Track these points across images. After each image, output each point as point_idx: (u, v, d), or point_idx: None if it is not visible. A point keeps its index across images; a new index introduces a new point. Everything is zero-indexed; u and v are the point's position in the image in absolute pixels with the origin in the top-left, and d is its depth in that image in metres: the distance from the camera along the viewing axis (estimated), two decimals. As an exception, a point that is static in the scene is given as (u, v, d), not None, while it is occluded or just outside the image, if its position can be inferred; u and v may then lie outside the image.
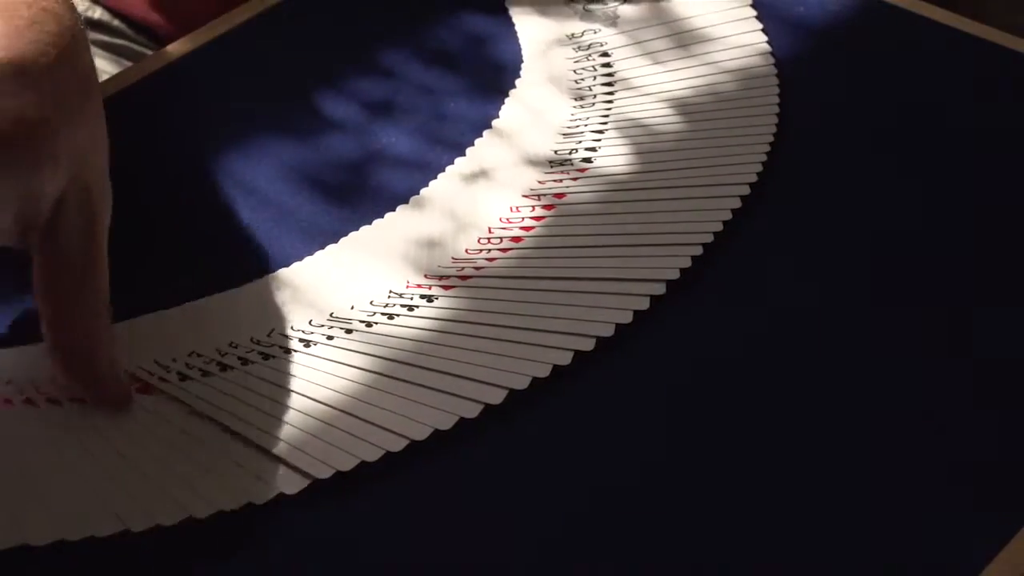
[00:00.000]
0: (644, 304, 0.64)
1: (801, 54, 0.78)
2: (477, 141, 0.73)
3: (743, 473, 0.59)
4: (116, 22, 0.93)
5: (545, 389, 0.62)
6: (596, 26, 0.79)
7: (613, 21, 0.79)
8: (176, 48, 0.79)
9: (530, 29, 0.79)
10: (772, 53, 0.77)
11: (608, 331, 0.63)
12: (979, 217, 0.70)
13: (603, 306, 0.64)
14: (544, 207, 0.69)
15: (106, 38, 0.93)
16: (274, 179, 0.71)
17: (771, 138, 0.72)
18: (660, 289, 0.65)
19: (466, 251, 0.67)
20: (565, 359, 0.62)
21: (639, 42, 0.78)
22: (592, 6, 0.80)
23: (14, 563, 0.55)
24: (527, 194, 0.70)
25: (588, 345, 0.62)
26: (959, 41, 0.79)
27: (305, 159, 0.72)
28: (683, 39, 0.78)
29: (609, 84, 0.76)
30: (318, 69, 0.77)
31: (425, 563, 0.56)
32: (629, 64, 0.77)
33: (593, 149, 0.72)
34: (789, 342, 0.64)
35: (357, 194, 0.70)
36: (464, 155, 0.72)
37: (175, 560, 0.56)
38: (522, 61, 0.78)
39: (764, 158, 0.71)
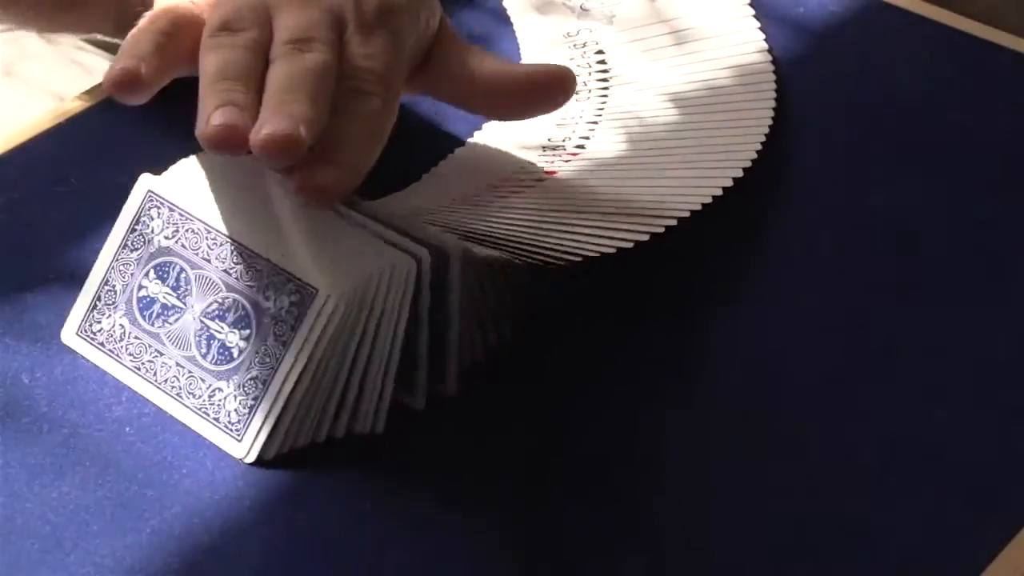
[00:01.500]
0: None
1: (801, 54, 0.78)
2: (476, 133, 0.73)
3: (741, 473, 0.59)
4: (117, 21, 0.93)
5: (538, 377, 0.62)
6: (592, 25, 0.79)
7: (609, 20, 0.79)
8: (176, 48, 0.79)
9: (528, 29, 0.79)
10: (769, 50, 0.77)
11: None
12: (979, 216, 0.70)
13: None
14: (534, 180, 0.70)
15: (107, 38, 0.93)
16: (274, 179, 0.71)
17: (768, 125, 0.72)
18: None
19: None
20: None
21: (635, 40, 0.78)
22: (588, 4, 0.80)
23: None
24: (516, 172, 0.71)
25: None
26: (959, 41, 0.79)
27: (305, 159, 0.72)
28: (679, 37, 0.78)
29: (604, 80, 0.76)
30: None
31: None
32: (624, 61, 0.77)
33: (586, 137, 0.72)
34: (786, 340, 0.64)
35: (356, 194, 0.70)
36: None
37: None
38: (520, 61, 0.78)
39: (762, 138, 0.71)
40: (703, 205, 0.66)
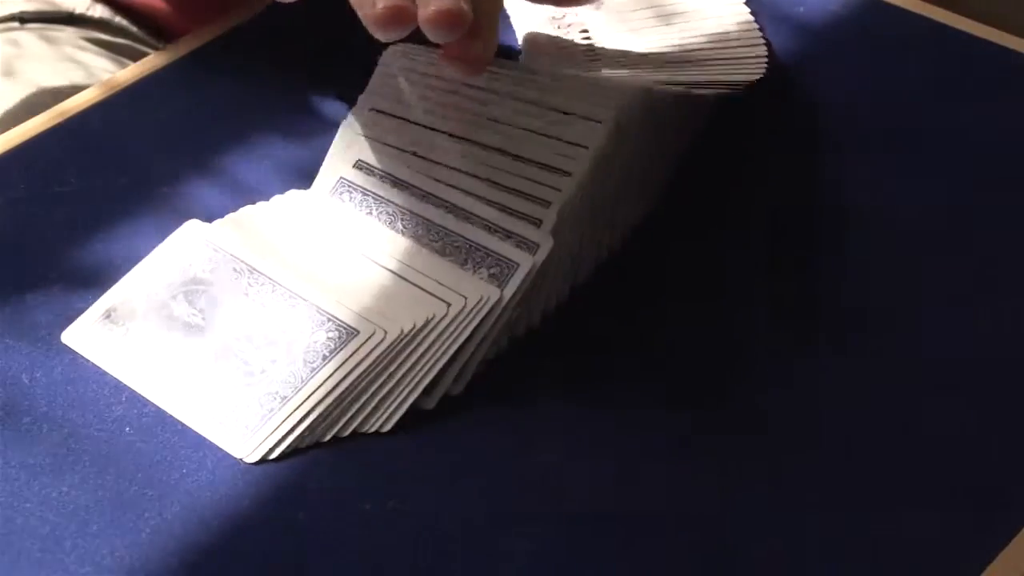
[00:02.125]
0: None
1: (801, 54, 0.78)
2: None
3: (741, 472, 0.59)
4: (117, 19, 0.93)
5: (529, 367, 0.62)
6: (578, 9, 0.79)
7: (597, 5, 0.79)
8: (176, 48, 0.79)
9: (526, 24, 0.79)
10: (761, 29, 0.77)
11: None
12: (978, 215, 0.70)
13: None
14: None
15: (107, 37, 0.93)
16: (274, 179, 0.71)
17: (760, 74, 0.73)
18: None
19: None
20: None
21: (622, 21, 0.78)
22: None
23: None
24: None
25: None
26: (959, 41, 0.79)
27: (305, 159, 0.72)
28: (667, 19, 0.78)
29: (592, 51, 0.76)
30: (318, 69, 0.77)
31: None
32: (611, 38, 0.76)
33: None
34: (786, 341, 0.64)
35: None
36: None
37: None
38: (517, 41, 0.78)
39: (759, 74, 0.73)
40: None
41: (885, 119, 0.75)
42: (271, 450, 0.59)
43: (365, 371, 0.60)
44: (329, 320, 0.61)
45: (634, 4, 0.79)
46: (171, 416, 0.60)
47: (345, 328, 0.61)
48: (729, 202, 0.71)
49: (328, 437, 0.60)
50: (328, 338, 0.60)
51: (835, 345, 0.64)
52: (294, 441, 0.59)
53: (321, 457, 0.59)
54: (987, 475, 0.59)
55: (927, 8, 0.80)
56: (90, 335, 0.63)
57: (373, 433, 0.60)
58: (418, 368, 0.61)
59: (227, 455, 0.59)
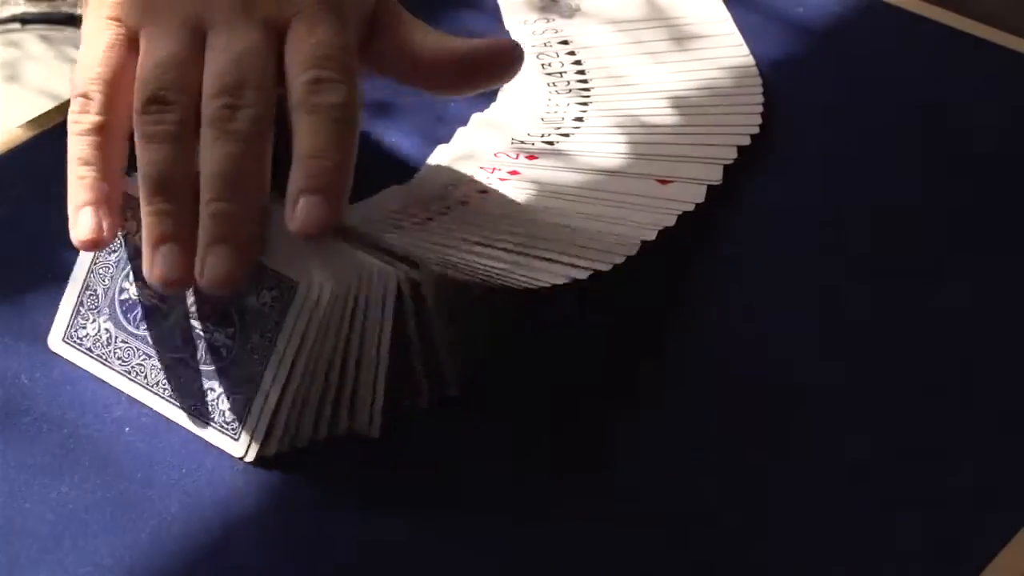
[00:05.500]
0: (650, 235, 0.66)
1: (801, 54, 0.78)
2: (460, 129, 0.73)
3: (741, 474, 0.59)
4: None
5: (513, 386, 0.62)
6: (554, 15, 0.79)
7: (572, 13, 0.79)
8: (176, 48, 0.79)
9: (518, 29, 0.79)
10: (749, 48, 0.77)
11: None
12: (979, 216, 0.70)
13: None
14: (509, 172, 0.70)
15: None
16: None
17: (755, 129, 0.72)
18: (633, 250, 0.65)
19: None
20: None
21: (605, 34, 0.78)
22: None
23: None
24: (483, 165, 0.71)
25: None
26: (959, 41, 0.79)
27: (305, 159, 0.72)
28: (656, 34, 0.78)
29: (582, 74, 0.76)
30: (318, 69, 0.77)
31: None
32: (597, 55, 0.76)
33: (567, 135, 0.72)
34: (787, 343, 0.64)
35: (356, 194, 0.70)
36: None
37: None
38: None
39: (747, 140, 0.72)
40: (676, 219, 0.67)
41: (884, 119, 0.75)
42: (265, 444, 0.58)
43: (319, 332, 0.58)
44: (269, 276, 0.59)
45: (610, 15, 0.79)
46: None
47: (285, 282, 0.58)
48: (726, 202, 0.70)
49: (323, 433, 0.59)
50: (272, 298, 0.59)
51: (835, 345, 0.64)
52: (287, 431, 0.59)
53: (320, 457, 0.59)
54: (987, 475, 0.59)
55: (927, 8, 0.80)
56: (69, 339, 0.62)
57: (372, 433, 0.60)
58: (371, 329, 0.59)
59: (226, 455, 0.59)
